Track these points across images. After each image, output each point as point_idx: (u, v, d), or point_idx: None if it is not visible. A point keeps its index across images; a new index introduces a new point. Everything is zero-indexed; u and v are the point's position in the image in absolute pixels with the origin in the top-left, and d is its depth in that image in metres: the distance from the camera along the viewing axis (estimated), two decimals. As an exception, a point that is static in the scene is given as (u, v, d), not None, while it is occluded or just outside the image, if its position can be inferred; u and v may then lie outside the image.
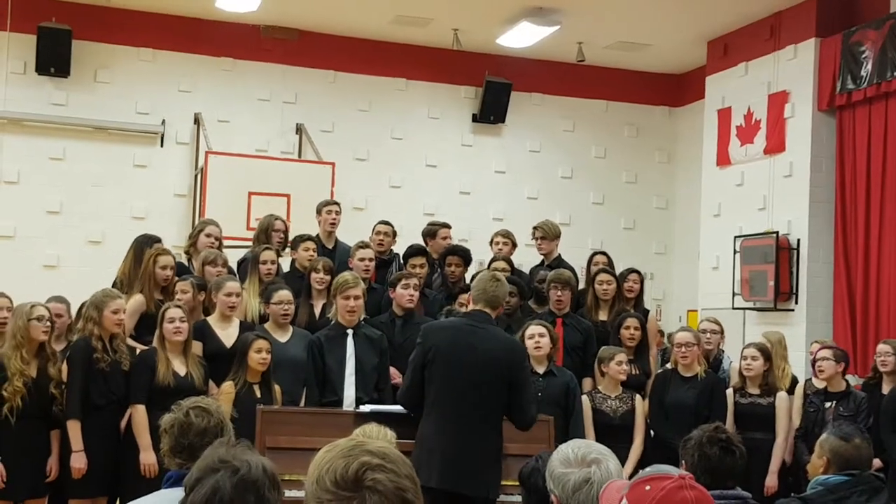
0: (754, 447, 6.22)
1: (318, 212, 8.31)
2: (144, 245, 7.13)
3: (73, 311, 6.92)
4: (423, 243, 8.23)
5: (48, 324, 6.15)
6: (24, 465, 6.06)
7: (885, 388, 7.22)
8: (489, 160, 12.72)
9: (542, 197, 12.77)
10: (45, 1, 10.97)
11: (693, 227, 12.17)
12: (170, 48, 11.52)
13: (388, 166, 12.25)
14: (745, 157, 11.08)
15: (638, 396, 6.98)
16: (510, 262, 7.89)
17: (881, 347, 7.40)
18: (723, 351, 7.93)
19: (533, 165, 12.88)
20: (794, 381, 7.59)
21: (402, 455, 1.96)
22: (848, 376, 7.57)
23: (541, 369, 6.55)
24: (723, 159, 11.44)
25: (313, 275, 7.18)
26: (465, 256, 7.93)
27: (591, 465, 2.94)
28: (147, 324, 6.58)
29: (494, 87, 12.49)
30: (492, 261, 7.90)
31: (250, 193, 10.44)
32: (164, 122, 11.47)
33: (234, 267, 7.61)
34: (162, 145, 11.51)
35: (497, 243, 8.34)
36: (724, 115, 11.44)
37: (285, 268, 7.94)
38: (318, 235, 8.14)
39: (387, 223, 8.31)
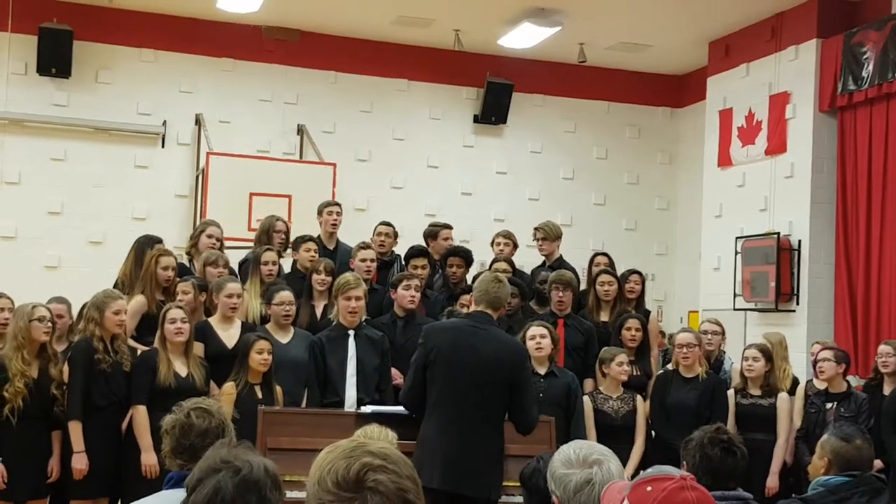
0: (755, 448, 6.21)
1: (320, 213, 8.31)
2: (146, 246, 7.13)
3: (75, 312, 6.93)
4: (424, 244, 8.22)
5: (49, 324, 6.15)
6: (26, 466, 6.06)
7: (887, 389, 7.21)
8: (490, 161, 12.73)
9: (543, 198, 12.77)
10: (47, 1, 10.98)
11: (694, 227, 12.18)
12: (171, 49, 11.53)
13: (390, 167, 12.26)
14: (746, 157, 11.08)
15: (639, 397, 6.98)
16: (511, 263, 7.89)
17: (882, 348, 7.40)
18: (724, 352, 7.93)
19: (534, 166, 12.88)
20: (796, 381, 7.59)
21: (403, 456, 1.96)
22: (849, 377, 7.57)
23: (542, 370, 6.55)
24: (724, 160, 11.44)
25: (314, 276, 7.18)
26: (466, 257, 7.93)
27: (592, 465, 2.94)
28: (148, 324, 6.58)
29: (496, 88, 12.49)
30: (493, 262, 7.90)
31: (251, 194, 10.45)
32: (165, 122, 11.47)
33: (236, 268, 7.61)
34: (163, 146, 11.52)
35: (498, 244, 8.34)
36: (726, 115, 11.45)
37: (286, 269, 7.94)
38: (319, 236, 8.13)
39: (388, 224, 8.31)
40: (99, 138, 11.29)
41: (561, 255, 8.28)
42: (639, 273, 7.90)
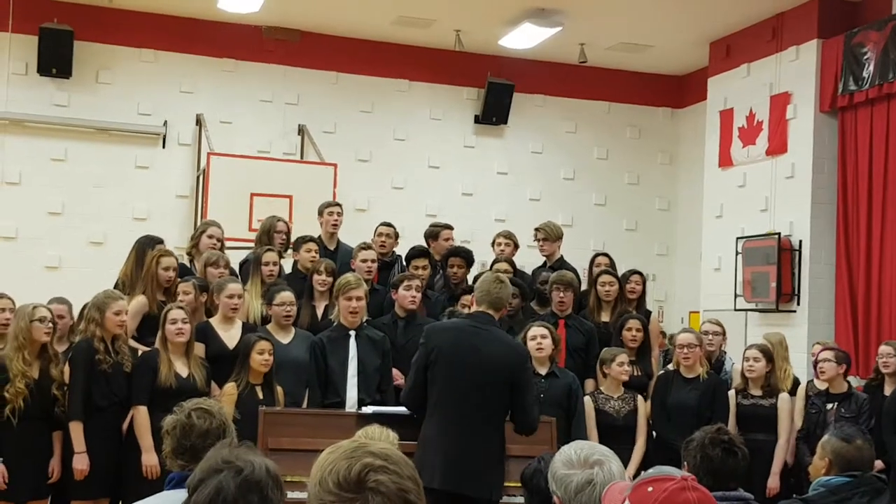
0: (756, 448, 6.21)
1: (320, 213, 8.31)
2: (146, 246, 7.12)
3: (75, 313, 6.93)
4: (425, 245, 8.22)
5: (50, 325, 6.15)
6: (26, 467, 6.06)
7: (887, 390, 7.21)
8: (491, 161, 12.73)
9: (544, 198, 12.77)
10: (47, 2, 10.97)
11: (695, 228, 12.18)
12: (172, 49, 11.53)
13: (391, 167, 12.26)
14: (747, 158, 11.08)
15: (640, 397, 6.98)
16: (512, 264, 7.89)
17: (883, 349, 7.39)
18: (725, 352, 7.94)
19: (535, 167, 12.89)
20: (796, 382, 7.59)
21: (404, 457, 1.96)
22: (850, 378, 7.57)
23: (543, 371, 6.55)
24: (725, 160, 11.44)
25: (315, 276, 7.18)
26: (467, 258, 7.92)
27: (593, 466, 2.94)
28: (149, 325, 6.57)
29: (496, 89, 12.49)
30: (494, 262, 7.90)
31: (252, 195, 10.46)
32: (165, 123, 11.47)
33: (236, 268, 7.61)
34: (164, 146, 11.52)
35: (499, 244, 8.34)
36: (726, 116, 11.45)
37: (287, 269, 7.94)
38: (320, 237, 8.13)
39: (389, 225, 8.30)
40: (99, 138, 11.30)
41: (562, 256, 8.28)
42: (640, 273, 7.90)
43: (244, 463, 2.23)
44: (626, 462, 6.20)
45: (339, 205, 8.45)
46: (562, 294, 7.31)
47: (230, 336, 6.54)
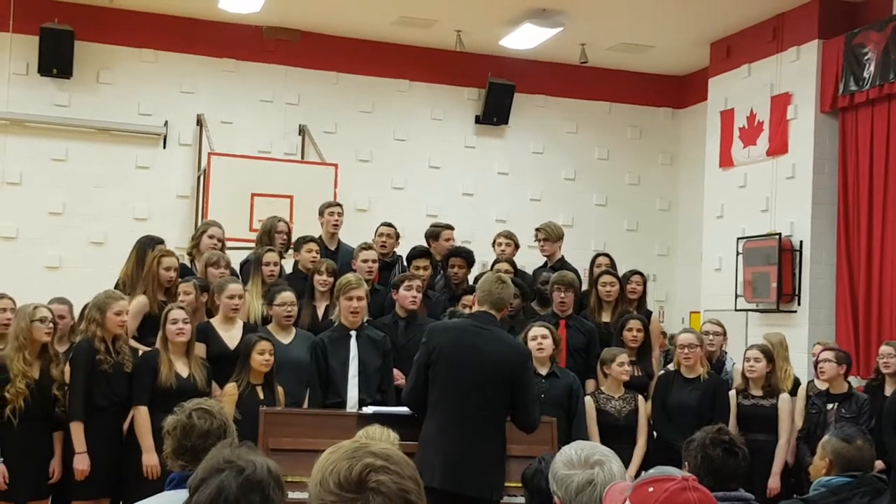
0: (757, 448, 6.21)
1: (321, 213, 8.31)
2: (147, 246, 7.12)
3: (76, 313, 6.92)
4: (426, 245, 8.22)
5: (51, 325, 6.15)
6: (27, 467, 6.06)
7: (888, 390, 7.21)
8: (492, 162, 12.73)
9: (545, 198, 12.77)
10: (48, 2, 10.98)
11: (696, 228, 12.18)
12: (172, 49, 11.53)
13: (391, 168, 12.26)
14: (747, 158, 11.08)
15: (640, 397, 6.98)
16: (513, 264, 7.88)
17: (884, 349, 7.39)
18: (725, 352, 7.94)
19: (536, 167, 12.89)
20: (797, 382, 7.59)
21: (405, 456, 1.96)
22: (850, 378, 7.56)
23: (544, 371, 6.55)
24: (725, 161, 11.44)
25: (316, 276, 7.18)
26: (468, 258, 7.92)
27: (594, 466, 2.94)
28: (150, 325, 6.57)
29: (497, 89, 12.49)
30: (495, 262, 7.89)
31: (253, 195, 10.46)
32: (166, 123, 11.47)
33: (237, 268, 7.61)
34: (164, 146, 11.52)
35: (500, 245, 8.33)
36: (727, 116, 11.45)
37: (288, 269, 7.94)
38: (320, 237, 8.13)
39: (390, 225, 8.30)
40: (100, 139, 11.30)
41: (562, 256, 8.28)
42: (640, 274, 7.90)
43: (246, 463, 2.23)
44: (626, 462, 6.19)
45: (339, 205, 8.45)
46: (563, 294, 7.31)
47: (231, 336, 6.55)
